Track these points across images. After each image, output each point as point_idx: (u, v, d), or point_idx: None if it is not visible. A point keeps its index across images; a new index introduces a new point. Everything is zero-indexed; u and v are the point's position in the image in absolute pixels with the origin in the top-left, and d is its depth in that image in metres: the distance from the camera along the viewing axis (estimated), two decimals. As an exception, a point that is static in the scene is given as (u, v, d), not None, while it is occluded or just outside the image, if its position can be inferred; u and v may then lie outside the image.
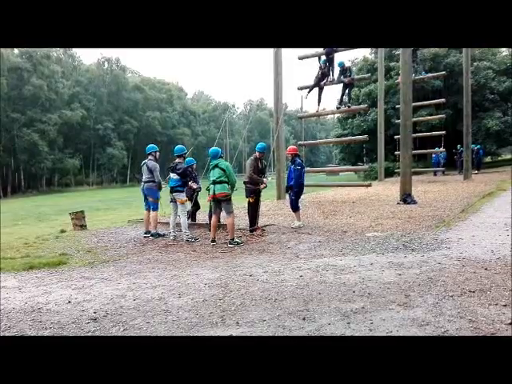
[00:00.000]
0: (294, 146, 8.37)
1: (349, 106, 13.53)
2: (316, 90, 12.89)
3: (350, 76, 12.51)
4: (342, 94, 13.32)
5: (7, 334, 3.17)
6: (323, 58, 12.54)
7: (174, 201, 7.44)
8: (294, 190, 7.77)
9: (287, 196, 9.21)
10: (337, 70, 12.72)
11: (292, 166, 7.84)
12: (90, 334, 3.10)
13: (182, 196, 7.36)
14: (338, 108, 13.74)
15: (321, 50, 12.52)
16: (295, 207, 7.90)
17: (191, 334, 2.99)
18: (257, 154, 7.60)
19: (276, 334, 2.89)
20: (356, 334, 2.80)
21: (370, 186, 13.39)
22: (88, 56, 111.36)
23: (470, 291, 3.51)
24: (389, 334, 2.77)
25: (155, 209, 7.70)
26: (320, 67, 12.53)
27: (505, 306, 3.12)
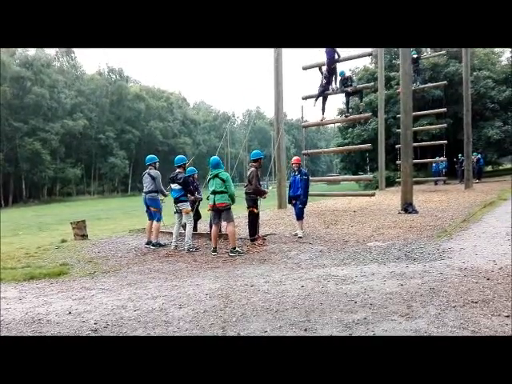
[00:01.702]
0: (299, 157, 8.40)
1: (346, 116, 13.68)
2: (320, 99, 12.99)
3: (351, 85, 12.59)
4: (347, 103, 13.47)
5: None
6: (324, 68, 12.66)
7: (178, 211, 7.43)
8: (303, 199, 7.76)
9: (289, 205, 9.21)
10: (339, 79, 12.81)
11: (298, 176, 7.82)
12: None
13: (187, 206, 7.37)
14: (346, 116, 13.86)
15: (323, 60, 12.63)
16: (301, 216, 7.90)
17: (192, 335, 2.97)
18: (256, 163, 7.57)
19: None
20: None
21: (373, 195, 13.39)
22: (91, 66, 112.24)
23: (472, 302, 3.49)
24: (389, 334, 2.75)
25: (159, 219, 7.71)
26: (325, 76, 12.61)
27: (507, 316, 3.10)
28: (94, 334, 3.25)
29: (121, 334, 3.24)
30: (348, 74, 12.65)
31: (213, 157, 7.05)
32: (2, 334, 3.30)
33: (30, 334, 3.34)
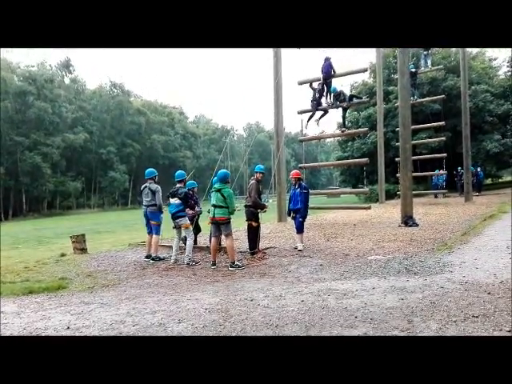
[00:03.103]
0: (298, 171, 8.42)
1: (343, 131, 13.80)
2: (312, 120, 13.15)
3: (344, 99, 12.67)
4: (343, 118, 13.59)
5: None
6: (315, 83, 12.85)
7: (176, 227, 7.41)
8: (303, 213, 7.77)
9: (289, 218, 9.21)
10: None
11: (298, 190, 7.84)
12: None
13: (186, 221, 7.36)
14: (342, 131, 13.96)
15: (319, 75, 12.78)
16: (301, 230, 7.89)
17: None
18: (258, 175, 7.63)
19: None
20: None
21: (369, 208, 13.43)
22: (92, 80, 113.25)
23: (473, 316, 3.46)
24: (388, 334, 2.72)
25: (158, 233, 7.69)
26: (318, 90, 12.74)
27: (509, 331, 3.07)
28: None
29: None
30: (339, 88, 12.74)
31: (222, 170, 7.06)
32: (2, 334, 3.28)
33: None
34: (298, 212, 7.79)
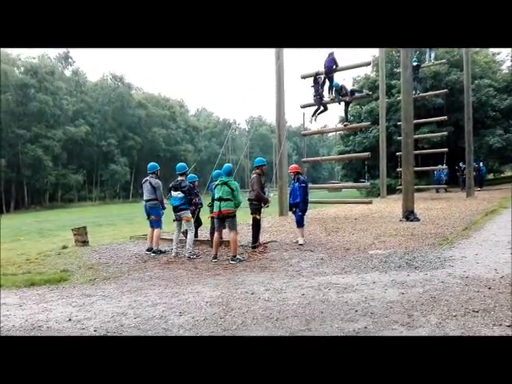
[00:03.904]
0: (296, 165, 8.41)
1: (345, 125, 13.78)
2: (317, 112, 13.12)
3: (346, 94, 12.62)
4: (346, 112, 13.55)
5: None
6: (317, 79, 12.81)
7: (177, 219, 7.43)
8: (302, 207, 7.77)
9: (290, 213, 9.21)
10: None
11: (296, 184, 7.83)
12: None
13: (188, 214, 7.37)
14: (345, 125, 13.94)
15: (322, 69, 12.72)
16: (301, 224, 7.90)
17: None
18: (257, 170, 7.62)
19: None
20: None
21: (370, 202, 13.42)
22: (93, 73, 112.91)
23: (473, 311, 3.48)
24: (388, 328, 2.73)
25: (158, 226, 7.71)
26: (322, 83, 12.70)
27: (509, 326, 3.08)
28: (93, 334, 3.24)
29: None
30: (341, 83, 12.68)
31: (226, 164, 7.18)
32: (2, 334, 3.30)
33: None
34: (298, 206, 7.79)
